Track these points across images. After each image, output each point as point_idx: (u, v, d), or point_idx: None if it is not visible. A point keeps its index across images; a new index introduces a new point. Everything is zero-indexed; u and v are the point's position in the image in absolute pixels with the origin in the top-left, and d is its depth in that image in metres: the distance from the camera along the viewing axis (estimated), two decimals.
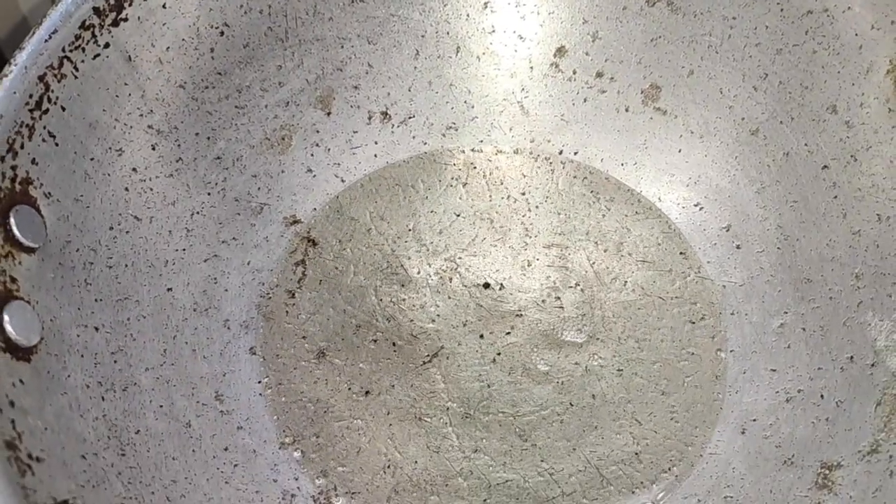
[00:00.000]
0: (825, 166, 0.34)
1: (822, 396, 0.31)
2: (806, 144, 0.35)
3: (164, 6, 0.33)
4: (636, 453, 0.32)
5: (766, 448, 0.31)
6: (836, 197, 0.34)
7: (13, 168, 0.28)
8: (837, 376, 0.31)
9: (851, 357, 0.31)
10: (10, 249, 0.27)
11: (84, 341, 0.29)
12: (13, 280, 0.27)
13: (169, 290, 0.33)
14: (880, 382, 0.30)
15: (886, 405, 0.29)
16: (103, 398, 0.28)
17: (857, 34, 0.33)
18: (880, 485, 0.28)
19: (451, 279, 0.37)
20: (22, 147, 0.28)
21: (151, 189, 0.33)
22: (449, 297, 0.36)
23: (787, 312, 0.34)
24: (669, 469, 0.32)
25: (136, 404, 0.29)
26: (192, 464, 0.30)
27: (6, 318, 0.26)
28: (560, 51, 0.39)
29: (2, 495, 0.21)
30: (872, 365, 0.31)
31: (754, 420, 0.32)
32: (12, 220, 0.27)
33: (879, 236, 0.32)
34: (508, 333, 0.35)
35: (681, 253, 0.37)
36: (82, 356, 0.28)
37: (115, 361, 0.30)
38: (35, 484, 0.23)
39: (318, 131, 0.38)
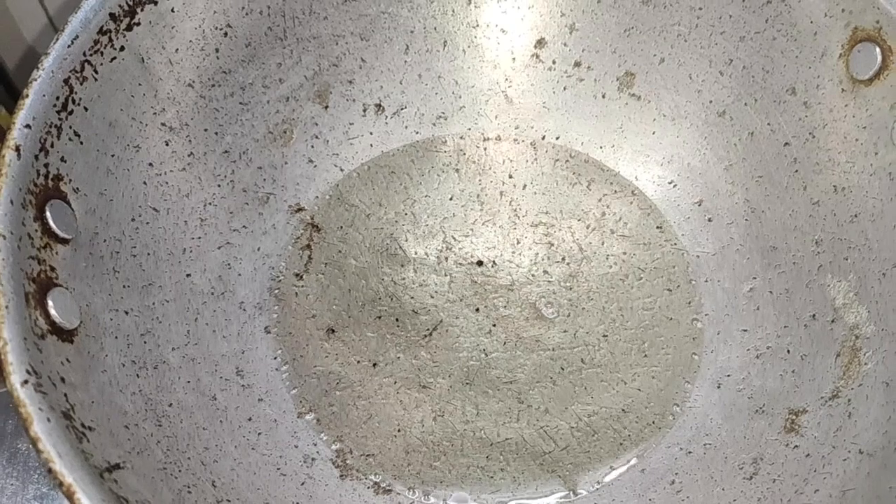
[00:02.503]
0: (786, 143, 0.37)
1: (788, 351, 0.35)
2: (769, 124, 0.38)
3: (172, 10, 0.35)
4: (623, 410, 0.36)
5: (739, 400, 0.35)
6: (797, 171, 0.37)
7: (46, 165, 0.30)
8: (802, 333, 0.35)
9: (814, 315, 0.35)
10: (48, 241, 0.29)
11: (116, 324, 0.31)
12: (52, 269, 0.29)
13: (188, 275, 0.35)
14: (839, 336, 0.34)
15: (845, 356, 0.33)
16: (138, 375, 0.31)
17: (811, 21, 0.36)
18: (840, 425, 0.31)
19: (446, 258, 0.39)
20: (52, 146, 0.30)
21: (167, 182, 0.36)
22: (446, 275, 0.39)
23: (755, 278, 0.37)
24: (653, 423, 0.35)
25: (167, 381, 0.32)
26: (221, 433, 0.32)
27: (50, 303, 0.28)
28: (540, 42, 0.42)
29: (67, 457, 0.24)
30: (832, 321, 0.34)
31: (728, 375, 0.36)
32: (48, 214, 0.29)
33: (836, 206, 0.35)
34: (503, 306, 0.38)
35: (657, 227, 0.40)
36: (116, 338, 0.31)
37: (145, 342, 0.32)
38: (91, 449, 0.25)
39: (316, 124, 0.41)
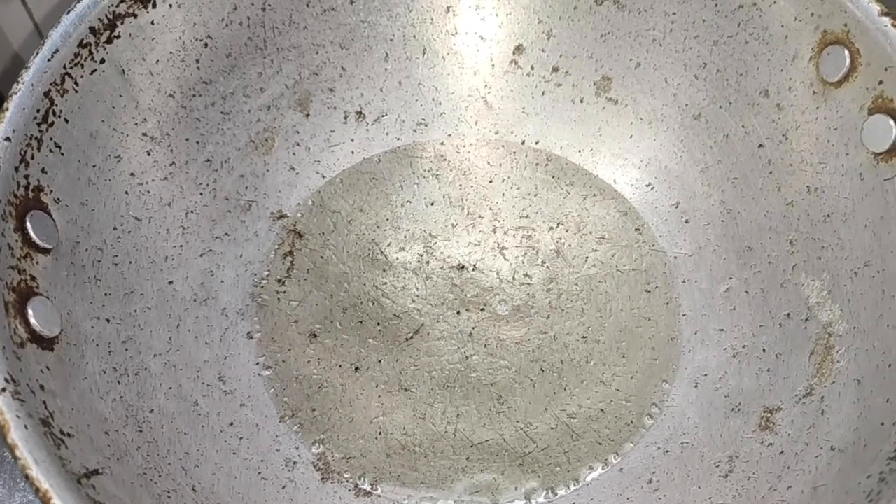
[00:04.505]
0: (761, 145, 0.38)
1: (763, 350, 0.35)
2: (743, 126, 0.38)
3: (152, 23, 0.36)
4: (602, 410, 0.36)
5: (716, 399, 0.35)
6: (771, 172, 0.37)
7: (26, 177, 0.30)
8: (777, 332, 0.35)
9: (788, 314, 0.35)
10: (28, 251, 0.30)
11: (98, 332, 0.32)
12: (33, 278, 0.30)
13: (170, 283, 0.36)
14: (813, 335, 0.34)
15: (818, 354, 0.33)
16: (119, 382, 0.31)
17: (782, 25, 0.36)
18: (813, 422, 0.32)
19: (428, 262, 0.40)
20: (33, 158, 0.31)
21: (149, 192, 0.36)
22: (427, 279, 0.39)
23: (731, 278, 0.38)
24: (631, 422, 0.36)
25: (148, 387, 0.32)
26: (202, 438, 0.33)
27: (30, 312, 0.28)
28: (518, 49, 0.42)
29: (44, 464, 0.24)
30: (806, 320, 0.35)
31: (705, 375, 0.36)
32: (28, 225, 0.30)
33: (809, 206, 0.36)
34: (483, 309, 0.39)
35: (636, 229, 0.41)
36: (97, 345, 0.31)
37: (127, 349, 0.33)
38: (69, 455, 0.26)
39: (298, 132, 0.41)
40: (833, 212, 0.35)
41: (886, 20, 0.33)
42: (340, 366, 0.37)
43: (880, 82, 0.33)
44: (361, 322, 0.38)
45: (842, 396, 0.31)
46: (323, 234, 0.40)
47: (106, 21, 0.34)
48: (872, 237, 0.33)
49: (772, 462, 0.32)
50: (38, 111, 0.31)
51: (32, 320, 0.28)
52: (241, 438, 0.34)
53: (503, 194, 0.42)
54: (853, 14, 0.33)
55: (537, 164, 0.42)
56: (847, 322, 0.33)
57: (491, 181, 0.42)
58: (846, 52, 0.34)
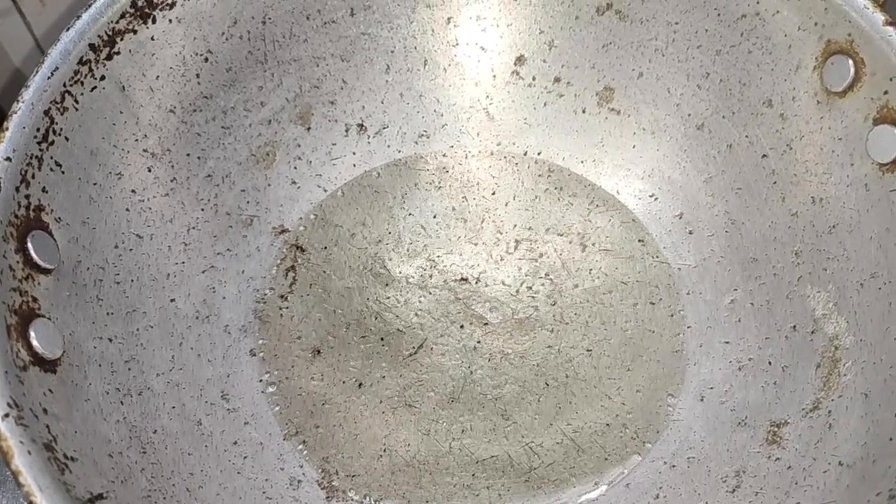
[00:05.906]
0: (764, 155, 0.38)
1: (769, 363, 0.35)
2: (747, 136, 0.38)
3: (152, 38, 0.36)
4: (607, 424, 0.36)
5: (722, 412, 0.35)
6: (775, 183, 0.37)
7: (27, 197, 0.30)
8: (783, 344, 0.35)
9: (794, 326, 0.35)
10: (29, 272, 0.29)
11: (100, 352, 0.31)
12: (34, 300, 0.29)
13: (172, 300, 0.36)
14: (819, 347, 0.34)
15: (825, 367, 0.33)
16: (122, 403, 0.31)
17: (785, 35, 0.36)
18: (821, 437, 0.31)
19: (430, 276, 0.40)
20: (33, 177, 0.31)
21: (150, 208, 0.36)
22: (430, 293, 0.39)
23: (736, 290, 0.38)
24: (637, 437, 0.35)
25: (152, 407, 0.32)
26: (206, 458, 0.32)
27: (32, 334, 0.28)
28: (520, 59, 0.42)
29: (48, 490, 0.24)
30: (812, 332, 0.34)
31: (711, 388, 0.36)
32: (30, 245, 0.30)
33: (814, 217, 0.36)
34: (486, 323, 0.38)
35: (639, 240, 0.40)
36: (100, 366, 0.31)
37: (129, 369, 0.32)
38: (73, 480, 0.26)
39: (299, 145, 0.41)
40: (838, 223, 0.35)
41: (891, 30, 0.33)
42: (344, 382, 0.37)
43: (885, 92, 0.33)
44: (364, 337, 0.38)
45: (849, 410, 0.31)
46: (325, 248, 0.40)
47: (106, 37, 0.34)
48: (878, 248, 0.33)
49: (779, 477, 0.31)
50: (38, 130, 0.31)
51: (35, 343, 0.28)
52: (245, 457, 0.34)
53: (506, 206, 0.42)
54: (857, 23, 0.33)
55: (540, 175, 0.42)
56: (854, 335, 0.33)
57: (493, 193, 0.42)
58: (850, 62, 0.34)
